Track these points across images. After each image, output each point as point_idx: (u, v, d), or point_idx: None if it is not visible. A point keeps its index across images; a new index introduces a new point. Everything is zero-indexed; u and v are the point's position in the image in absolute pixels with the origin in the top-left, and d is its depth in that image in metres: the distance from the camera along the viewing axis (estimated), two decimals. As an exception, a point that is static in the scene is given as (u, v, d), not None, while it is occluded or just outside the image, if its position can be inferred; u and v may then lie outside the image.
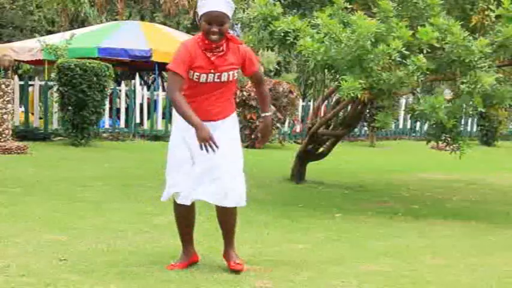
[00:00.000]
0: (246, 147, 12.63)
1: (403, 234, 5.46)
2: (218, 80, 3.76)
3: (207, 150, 3.57)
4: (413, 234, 5.47)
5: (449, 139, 6.54)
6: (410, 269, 4.24)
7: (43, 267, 3.78)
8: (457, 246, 5.07)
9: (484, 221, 6.34)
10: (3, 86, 9.87)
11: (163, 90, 15.00)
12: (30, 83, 12.58)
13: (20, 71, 18.08)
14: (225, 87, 3.81)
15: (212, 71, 3.73)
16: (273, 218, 5.81)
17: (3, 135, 9.75)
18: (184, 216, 3.98)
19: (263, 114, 4.05)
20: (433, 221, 6.20)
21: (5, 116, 9.82)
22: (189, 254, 4.01)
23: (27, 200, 5.99)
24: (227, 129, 3.83)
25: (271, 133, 3.96)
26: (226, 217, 3.93)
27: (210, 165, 3.73)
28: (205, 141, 3.55)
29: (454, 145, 6.51)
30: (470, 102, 5.88)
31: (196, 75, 3.73)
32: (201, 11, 3.72)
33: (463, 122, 16.25)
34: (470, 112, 6.15)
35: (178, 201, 3.88)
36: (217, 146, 3.58)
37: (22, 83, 12.27)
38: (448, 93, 7.47)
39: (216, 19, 3.64)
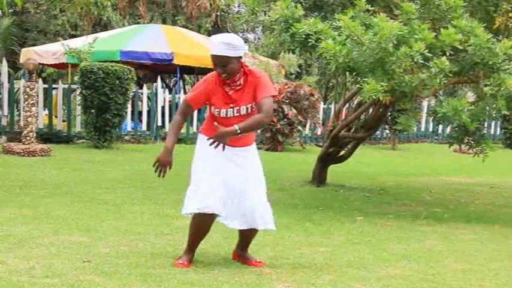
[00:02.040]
0: (267, 149, 12.64)
1: (425, 238, 5.42)
2: (238, 114, 3.89)
3: (156, 171, 3.93)
4: (436, 238, 5.42)
5: (472, 142, 6.48)
6: (433, 273, 4.21)
7: (67, 269, 3.82)
8: (480, 251, 5.02)
9: (508, 225, 6.27)
10: (27, 89, 10.01)
11: (185, 93, 15.07)
12: (53, 86, 12.73)
13: (44, 75, 18.29)
14: (245, 118, 3.86)
15: (231, 105, 3.88)
16: (294, 220, 5.81)
17: (28, 138, 9.87)
18: (206, 228, 4.02)
19: (235, 126, 3.74)
20: (455, 224, 6.14)
21: (29, 119, 9.94)
22: (192, 257, 4.08)
23: (51, 202, 6.07)
24: (251, 159, 4.01)
25: (223, 141, 3.77)
26: (251, 234, 4.13)
27: (239, 193, 3.91)
28: (160, 163, 3.92)
29: (477, 148, 6.45)
30: (494, 105, 5.82)
31: (217, 111, 3.91)
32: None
33: (486, 124, 16.07)
34: (494, 115, 6.10)
35: (207, 211, 3.88)
36: (164, 175, 3.93)
37: (46, 86, 12.42)
38: (471, 96, 7.40)
39: (217, 61, 3.81)
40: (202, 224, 3.96)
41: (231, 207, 3.95)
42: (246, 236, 4.14)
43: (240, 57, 3.83)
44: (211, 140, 3.79)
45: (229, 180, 3.91)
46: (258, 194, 3.98)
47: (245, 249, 4.19)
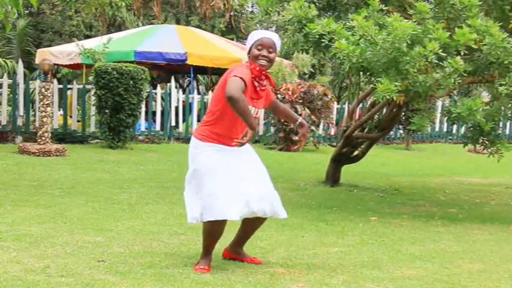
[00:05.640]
0: (281, 149, 12.63)
1: (440, 238, 5.40)
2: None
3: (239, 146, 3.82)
4: (450, 239, 5.40)
5: (487, 142, 6.44)
6: (447, 274, 4.19)
7: (81, 268, 3.85)
8: (495, 251, 4.99)
9: (524, 225, 6.22)
10: (43, 90, 10.08)
11: (198, 93, 15.11)
12: (68, 86, 12.81)
13: (59, 75, 18.40)
14: None
15: (255, 103, 3.92)
16: (308, 221, 5.81)
17: (43, 138, 9.94)
18: (222, 231, 4.01)
19: (299, 120, 4.27)
20: (470, 225, 6.11)
21: (44, 119, 10.02)
22: (210, 260, 4.03)
23: (66, 202, 6.11)
24: (251, 151, 4.08)
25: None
26: (258, 226, 4.14)
27: (253, 185, 3.90)
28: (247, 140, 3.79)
29: (492, 148, 6.41)
30: (509, 105, 5.78)
31: None
32: (253, 39, 3.95)
33: (501, 124, 15.93)
34: (509, 114, 6.05)
35: (224, 218, 3.87)
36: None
37: (61, 86, 12.49)
38: (485, 96, 7.35)
39: (267, 45, 3.91)
40: (220, 229, 3.96)
41: (253, 200, 3.90)
42: (249, 230, 4.13)
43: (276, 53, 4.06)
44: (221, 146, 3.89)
45: (243, 173, 3.89)
46: (267, 182, 4.01)
47: (242, 246, 4.20)
